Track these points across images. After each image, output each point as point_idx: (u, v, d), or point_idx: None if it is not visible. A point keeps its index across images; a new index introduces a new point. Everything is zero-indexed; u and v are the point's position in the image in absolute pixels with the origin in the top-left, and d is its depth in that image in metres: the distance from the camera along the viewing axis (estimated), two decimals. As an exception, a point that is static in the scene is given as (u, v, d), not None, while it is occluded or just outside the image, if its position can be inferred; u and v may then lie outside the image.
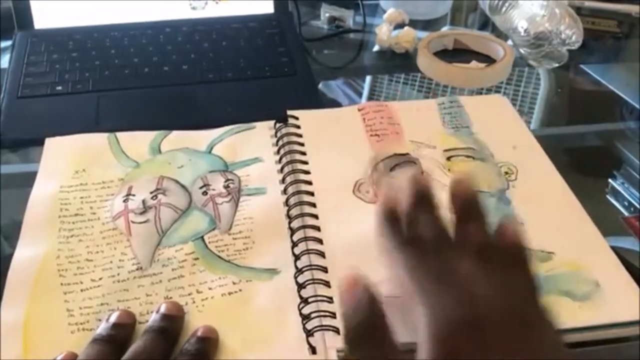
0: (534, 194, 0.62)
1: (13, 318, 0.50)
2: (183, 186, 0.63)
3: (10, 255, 0.56)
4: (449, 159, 0.66)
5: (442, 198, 0.60)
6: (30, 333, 0.49)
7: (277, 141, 0.68)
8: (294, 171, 0.64)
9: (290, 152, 0.66)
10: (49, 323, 0.50)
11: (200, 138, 0.70)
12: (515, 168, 0.65)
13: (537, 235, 0.57)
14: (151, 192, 0.62)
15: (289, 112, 0.72)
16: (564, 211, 0.61)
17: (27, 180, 0.65)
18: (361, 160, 0.66)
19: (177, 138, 0.70)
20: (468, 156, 0.67)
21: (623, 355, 0.50)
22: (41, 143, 0.69)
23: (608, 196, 0.70)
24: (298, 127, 0.70)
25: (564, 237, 0.57)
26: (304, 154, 0.66)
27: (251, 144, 0.69)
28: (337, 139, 0.69)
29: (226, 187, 0.63)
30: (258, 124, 0.72)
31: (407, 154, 0.67)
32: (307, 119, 0.71)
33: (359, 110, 0.73)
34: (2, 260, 0.58)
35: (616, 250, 0.56)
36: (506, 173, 0.65)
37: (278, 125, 0.70)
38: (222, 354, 0.48)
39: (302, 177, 0.63)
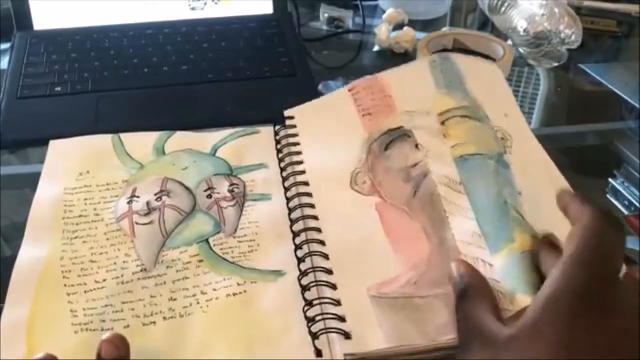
0: (527, 164, 0.61)
1: (17, 319, 0.50)
2: (188, 188, 0.63)
3: (10, 257, 0.56)
4: (443, 123, 0.64)
5: (437, 170, 0.59)
6: (34, 334, 0.49)
7: (277, 144, 0.68)
8: (294, 173, 0.63)
9: (290, 154, 0.66)
10: (53, 324, 0.50)
11: (204, 140, 0.70)
12: (510, 136, 0.63)
13: (535, 207, 0.55)
14: (155, 194, 0.62)
15: (286, 113, 0.71)
16: (553, 184, 0.59)
17: (27, 181, 0.65)
18: (356, 148, 0.65)
19: (181, 139, 0.70)
20: (464, 116, 0.64)
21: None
22: (41, 144, 0.69)
23: (608, 196, 0.70)
24: (295, 126, 0.69)
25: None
26: (300, 154, 0.66)
27: (256, 149, 0.68)
28: (332, 129, 0.68)
29: (231, 191, 0.63)
30: (263, 129, 0.71)
31: (401, 127, 0.65)
32: (302, 116, 0.70)
33: (350, 90, 0.72)
34: (1, 262, 0.58)
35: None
36: (502, 139, 0.63)
37: (278, 127, 0.70)
38: (227, 355, 0.48)
39: (300, 178, 0.63)
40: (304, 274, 0.53)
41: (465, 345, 0.43)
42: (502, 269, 0.50)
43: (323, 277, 0.53)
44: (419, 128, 0.64)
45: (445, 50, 0.92)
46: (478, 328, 0.42)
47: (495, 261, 0.51)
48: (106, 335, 0.44)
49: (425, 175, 0.60)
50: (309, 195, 0.61)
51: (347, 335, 0.48)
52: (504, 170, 0.58)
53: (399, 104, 0.68)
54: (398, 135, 0.64)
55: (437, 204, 0.57)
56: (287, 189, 0.62)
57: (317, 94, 0.82)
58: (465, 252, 0.53)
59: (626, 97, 0.86)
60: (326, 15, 1.02)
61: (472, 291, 0.46)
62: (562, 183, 0.59)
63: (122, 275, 0.54)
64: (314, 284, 0.52)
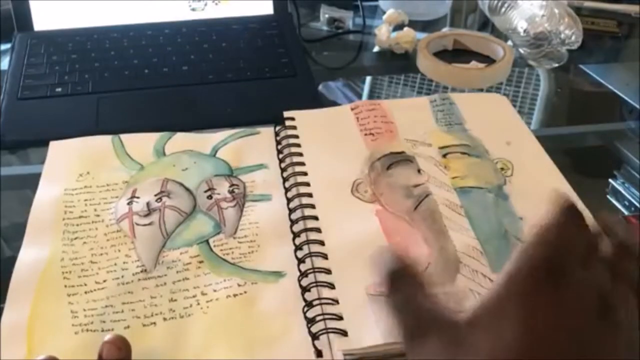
0: (530, 188, 0.62)
1: (17, 319, 0.50)
2: (188, 189, 0.63)
3: (10, 258, 0.56)
4: (444, 156, 0.66)
5: (438, 193, 0.60)
6: (34, 334, 0.49)
7: (277, 145, 0.68)
8: (294, 174, 0.63)
9: (290, 154, 0.66)
10: (53, 324, 0.50)
11: (205, 140, 0.70)
12: (510, 164, 0.65)
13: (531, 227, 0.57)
14: (155, 195, 0.62)
15: (286, 114, 0.71)
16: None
17: (27, 182, 0.65)
18: (357, 160, 0.65)
19: (181, 140, 0.70)
20: (463, 153, 0.67)
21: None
22: (41, 144, 0.69)
23: (608, 196, 0.70)
24: (295, 127, 0.70)
25: None
26: (301, 155, 0.66)
27: (256, 150, 0.68)
28: (333, 138, 0.69)
29: (231, 192, 0.63)
30: (262, 129, 0.71)
31: (403, 152, 0.66)
32: (303, 120, 0.71)
33: (352, 109, 0.73)
34: (1, 262, 0.58)
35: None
36: (502, 169, 0.65)
37: (278, 128, 0.70)
38: (227, 356, 0.48)
39: (301, 179, 0.63)
40: (303, 274, 0.53)
41: (416, 336, 0.40)
42: None
43: (323, 277, 0.53)
44: (421, 156, 0.66)
45: (445, 50, 0.93)
46: (431, 315, 0.41)
47: (495, 278, 0.51)
48: (108, 337, 0.45)
49: (427, 195, 0.61)
50: (309, 195, 0.61)
51: (344, 333, 0.48)
52: (503, 202, 0.61)
53: (401, 131, 0.70)
54: (400, 159, 0.65)
55: (438, 219, 0.58)
56: (287, 190, 0.62)
57: (318, 95, 0.82)
58: (466, 262, 0.54)
59: (626, 98, 0.86)
60: (326, 15, 1.02)
61: (408, 276, 0.42)
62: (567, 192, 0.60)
63: (122, 276, 0.54)
64: (314, 284, 0.52)
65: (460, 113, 0.72)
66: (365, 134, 0.69)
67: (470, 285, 0.52)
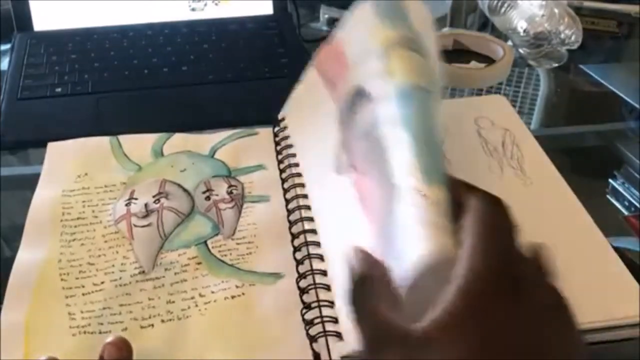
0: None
1: (14, 321, 0.50)
2: (186, 190, 0.63)
3: (10, 258, 0.56)
4: (388, 57, 0.54)
5: (383, 113, 0.51)
6: (32, 336, 0.49)
7: (276, 145, 0.68)
8: (292, 175, 0.63)
9: (288, 155, 0.66)
10: (51, 326, 0.50)
11: (203, 141, 0.70)
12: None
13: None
14: (154, 196, 0.62)
15: (280, 115, 0.71)
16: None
17: (27, 182, 0.65)
18: (334, 127, 0.58)
19: (180, 140, 0.70)
20: (408, 48, 0.54)
21: (623, 355, 0.50)
22: (41, 145, 0.69)
23: (608, 196, 0.70)
24: (286, 127, 0.69)
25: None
26: (294, 155, 0.65)
27: (254, 151, 0.68)
28: (314, 119, 0.64)
29: (229, 193, 0.63)
30: (261, 130, 0.71)
31: (353, 87, 0.56)
32: (291, 115, 0.69)
33: (316, 67, 0.66)
34: (1, 263, 0.58)
35: (617, 249, 0.56)
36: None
37: (277, 129, 0.70)
38: (225, 357, 0.48)
39: (299, 180, 0.62)
40: (302, 276, 0.53)
41: (371, 346, 0.40)
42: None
43: (321, 279, 0.52)
44: (366, 74, 0.56)
45: (445, 50, 0.92)
46: (385, 326, 0.39)
47: (430, 193, 0.44)
48: (110, 338, 0.45)
49: (374, 125, 0.52)
50: (306, 197, 0.60)
51: (340, 336, 0.47)
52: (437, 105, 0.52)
53: (350, 57, 0.60)
54: (353, 98, 0.57)
55: (383, 149, 0.50)
56: (286, 191, 0.62)
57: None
58: (404, 186, 0.46)
59: (626, 98, 0.85)
60: (326, 16, 1.02)
61: (371, 281, 0.42)
62: (567, 192, 0.60)
63: (120, 278, 0.54)
64: (312, 286, 0.52)
65: (403, 7, 0.60)
66: (331, 90, 0.62)
67: (410, 212, 0.44)
